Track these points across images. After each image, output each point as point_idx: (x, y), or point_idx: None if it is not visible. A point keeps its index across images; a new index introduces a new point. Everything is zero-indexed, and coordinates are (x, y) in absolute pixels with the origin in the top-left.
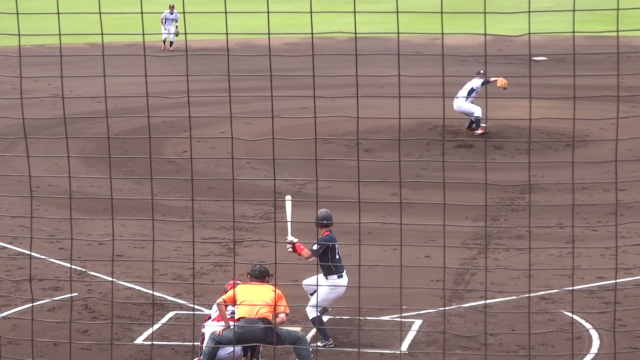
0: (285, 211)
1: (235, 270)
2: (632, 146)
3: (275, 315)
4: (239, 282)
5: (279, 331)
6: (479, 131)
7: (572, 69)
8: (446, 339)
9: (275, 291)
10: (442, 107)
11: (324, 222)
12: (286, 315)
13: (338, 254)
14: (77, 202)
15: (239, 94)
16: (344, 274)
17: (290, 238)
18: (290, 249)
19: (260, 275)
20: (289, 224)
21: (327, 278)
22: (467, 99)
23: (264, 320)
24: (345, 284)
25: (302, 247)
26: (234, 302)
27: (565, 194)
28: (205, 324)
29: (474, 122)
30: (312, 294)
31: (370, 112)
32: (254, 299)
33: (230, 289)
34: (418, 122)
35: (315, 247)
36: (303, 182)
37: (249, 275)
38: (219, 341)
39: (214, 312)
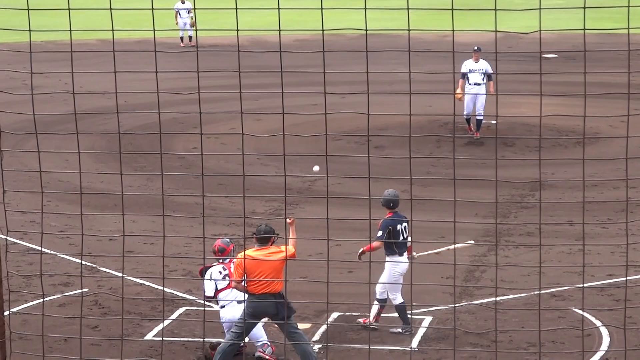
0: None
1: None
2: None
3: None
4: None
5: (290, 304)
6: (468, 130)
7: (582, 66)
8: (456, 335)
9: (279, 252)
10: (452, 104)
11: (389, 204)
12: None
13: (403, 234)
14: (87, 198)
15: (249, 90)
16: (405, 253)
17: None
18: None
19: (266, 234)
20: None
21: (387, 256)
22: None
23: (275, 294)
24: (406, 261)
25: (368, 246)
26: (242, 275)
27: (576, 191)
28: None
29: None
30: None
31: (380, 109)
32: (263, 272)
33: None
34: (428, 119)
35: (379, 233)
36: (313, 179)
37: (254, 235)
38: (239, 332)
39: (211, 286)
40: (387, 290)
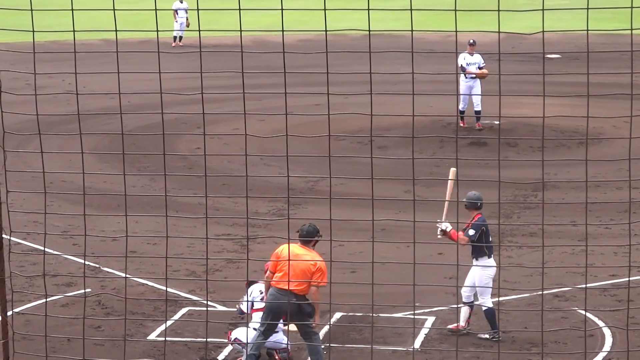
0: (447, 187)
1: (248, 266)
2: None
3: (309, 290)
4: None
5: (307, 309)
6: (461, 124)
7: (585, 66)
8: (459, 336)
9: (315, 264)
10: (455, 105)
11: (477, 204)
12: (318, 288)
13: (490, 235)
14: (90, 198)
15: (253, 90)
16: (493, 255)
17: (444, 225)
18: (440, 235)
19: (308, 235)
20: (446, 204)
21: (477, 259)
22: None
23: (295, 295)
24: (495, 265)
25: (456, 233)
26: (274, 267)
27: (579, 191)
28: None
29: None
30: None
31: (383, 109)
32: (291, 270)
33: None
34: (431, 119)
35: (471, 232)
36: (316, 179)
37: (297, 233)
38: (263, 331)
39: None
40: (475, 293)
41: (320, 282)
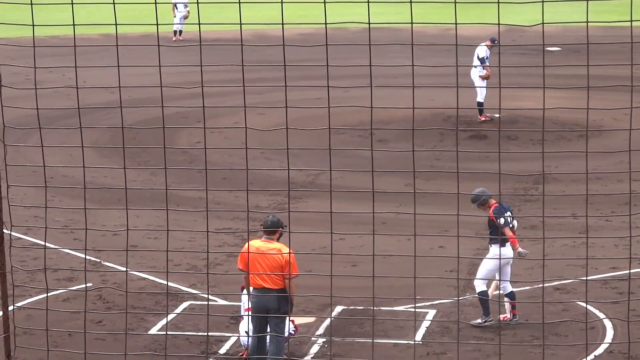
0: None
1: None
2: None
3: (289, 282)
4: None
5: (284, 307)
6: (481, 118)
7: (585, 59)
8: (460, 328)
9: (283, 256)
10: (455, 98)
11: (474, 200)
12: (290, 281)
13: (489, 227)
14: (91, 193)
15: (253, 84)
16: (507, 244)
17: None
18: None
19: (272, 226)
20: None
21: (490, 246)
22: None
23: (277, 289)
24: (507, 255)
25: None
26: (246, 268)
27: (579, 184)
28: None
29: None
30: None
31: (383, 103)
32: (262, 266)
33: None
34: (432, 112)
35: (502, 221)
36: (317, 173)
37: (261, 226)
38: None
39: (243, 306)
40: (504, 283)
41: (294, 270)
